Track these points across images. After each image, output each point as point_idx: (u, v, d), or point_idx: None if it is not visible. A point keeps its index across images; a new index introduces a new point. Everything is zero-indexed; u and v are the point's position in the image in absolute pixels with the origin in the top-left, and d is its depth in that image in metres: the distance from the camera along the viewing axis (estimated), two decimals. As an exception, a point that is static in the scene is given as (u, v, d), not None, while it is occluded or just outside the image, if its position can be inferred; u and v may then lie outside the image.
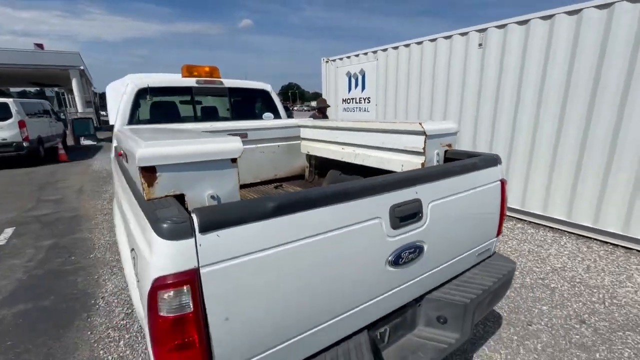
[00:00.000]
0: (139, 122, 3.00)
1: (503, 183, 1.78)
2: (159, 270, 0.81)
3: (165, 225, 0.81)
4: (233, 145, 1.12)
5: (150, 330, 0.85)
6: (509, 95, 4.41)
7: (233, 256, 0.88)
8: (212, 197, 1.11)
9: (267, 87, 3.81)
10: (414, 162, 1.95)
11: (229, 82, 3.47)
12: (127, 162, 1.54)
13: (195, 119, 3.33)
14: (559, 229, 4.10)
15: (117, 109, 3.09)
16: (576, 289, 2.91)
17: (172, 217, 0.83)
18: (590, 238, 3.84)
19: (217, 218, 0.86)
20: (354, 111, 7.16)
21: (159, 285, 0.81)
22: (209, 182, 1.11)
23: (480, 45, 4.68)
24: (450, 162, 1.87)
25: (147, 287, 0.83)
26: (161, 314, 0.82)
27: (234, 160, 1.14)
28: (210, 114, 3.50)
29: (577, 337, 2.32)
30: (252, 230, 0.90)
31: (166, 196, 1.04)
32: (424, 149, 1.87)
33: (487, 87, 4.65)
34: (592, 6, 3.54)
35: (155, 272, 0.81)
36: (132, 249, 1.07)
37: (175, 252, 0.81)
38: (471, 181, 1.59)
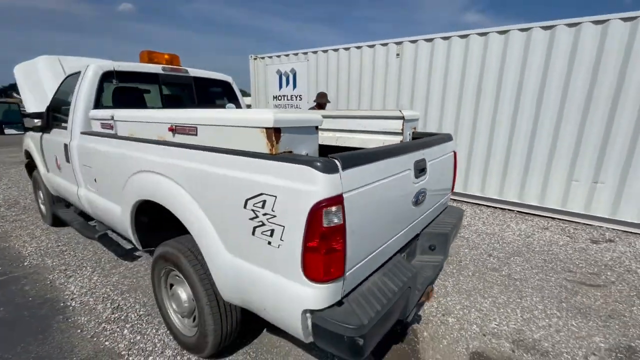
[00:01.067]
0: (101, 107, 2.81)
1: (455, 153, 2.54)
2: (320, 195, 1.15)
3: (323, 164, 1.16)
4: (319, 117, 1.48)
5: (311, 240, 1.17)
6: (421, 97, 5.56)
7: (358, 186, 1.27)
8: (307, 154, 1.44)
9: (229, 78, 3.93)
10: (394, 141, 2.54)
11: (193, 72, 3.49)
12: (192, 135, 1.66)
13: (162, 106, 3.25)
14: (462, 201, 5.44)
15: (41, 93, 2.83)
16: (480, 236, 4.05)
17: (322, 160, 1.18)
18: (479, 204, 5.25)
19: (349, 161, 1.24)
20: (285, 108, 7.56)
21: (323, 204, 1.14)
22: (304, 143, 1.43)
23: (397, 55, 5.73)
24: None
25: (307, 209, 1.15)
26: (324, 225, 1.16)
27: (316, 128, 1.50)
28: (175, 103, 3.45)
29: (489, 264, 3.33)
30: (365, 170, 1.30)
31: (284, 152, 1.33)
32: (402, 130, 2.48)
33: (404, 91, 5.73)
34: (457, 35, 4.86)
35: (317, 196, 1.14)
36: (260, 194, 1.30)
37: (331, 182, 1.16)
38: (442, 150, 2.27)
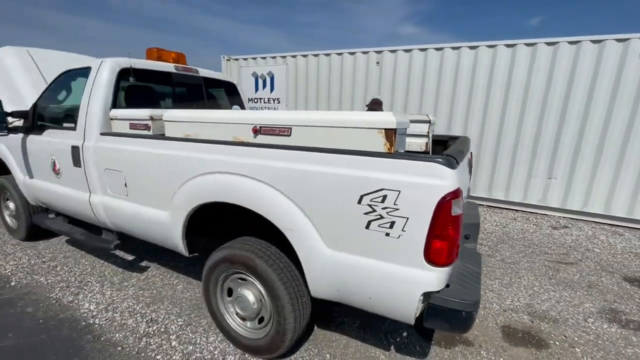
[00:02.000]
0: (118, 107, 2.61)
1: (471, 154, 2.87)
2: (448, 188, 1.30)
3: (448, 161, 1.32)
4: (408, 120, 1.64)
5: (440, 228, 1.32)
6: (401, 102, 5.99)
7: (459, 183, 1.45)
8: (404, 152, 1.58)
9: (234, 80, 3.86)
10: (419, 143, 2.79)
11: (202, 72, 3.37)
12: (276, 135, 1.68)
13: (173, 106, 3.09)
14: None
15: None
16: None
17: (446, 157, 1.34)
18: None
19: (455, 159, 1.41)
20: (262, 110, 7.49)
21: (451, 196, 1.30)
22: (402, 143, 1.57)
23: (377, 63, 6.09)
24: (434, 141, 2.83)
25: (435, 201, 1.30)
26: (452, 214, 1.31)
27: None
28: (185, 103, 3.29)
29: (483, 251, 3.77)
30: (457, 170, 1.49)
31: (396, 151, 1.46)
32: (427, 132, 2.74)
33: (384, 97, 6.11)
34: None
35: (445, 189, 1.30)
36: (380, 189, 1.40)
37: (455, 176, 1.32)
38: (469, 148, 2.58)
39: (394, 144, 1.42)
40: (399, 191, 1.36)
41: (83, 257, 3.29)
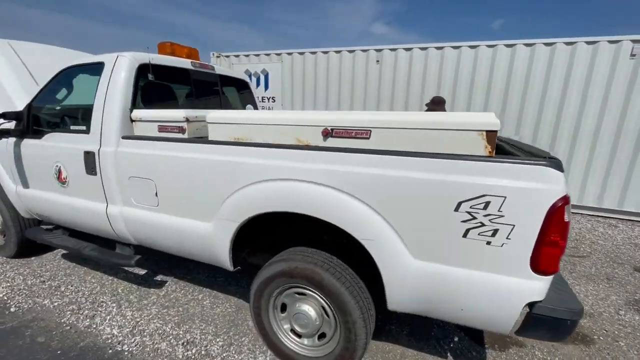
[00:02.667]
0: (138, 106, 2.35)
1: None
2: (560, 192, 1.23)
3: (558, 164, 1.25)
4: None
5: (552, 235, 1.25)
6: (401, 101, 5.98)
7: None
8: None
9: (247, 78, 3.64)
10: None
11: (218, 69, 3.14)
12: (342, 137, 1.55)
13: (193, 105, 2.84)
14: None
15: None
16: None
17: (556, 160, 1.27)
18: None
19: (560, 162, 1.35)
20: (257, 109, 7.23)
21: (563, 201, 1.23)
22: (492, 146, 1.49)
23: (377, 61, 6.05)
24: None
25: (547, 206, 1.23)
26: (565, 220, 1.25)
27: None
28: (201, 102, 3.03)
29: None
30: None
31: (490, 153, 1.37)
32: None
33: (384, 96, 6.08)
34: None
35: (558, 194, 1.23)
36: (482, 195, 1.30)
37: (564, 179, 1.26)
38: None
39: (494, 146, 1.34)
40: (505, 197, 1.28)
41: (87, 274, 2.96)
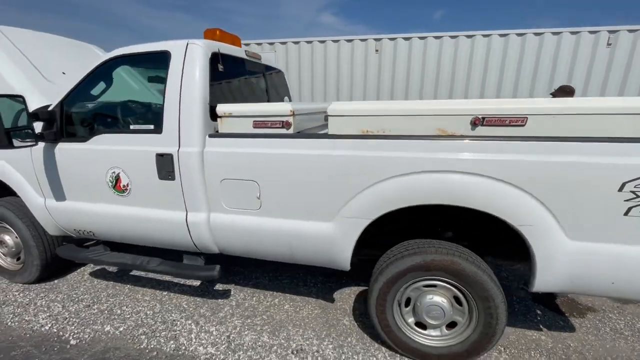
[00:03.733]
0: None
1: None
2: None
3: None
4: None
5: None
6: (401, 90, 6.10)
7: None
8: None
9: (282, 68, 3.44)
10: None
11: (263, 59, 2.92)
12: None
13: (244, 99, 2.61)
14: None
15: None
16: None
17: None
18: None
19: None
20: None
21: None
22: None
23: (376, 51, 6.07)
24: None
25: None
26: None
27: None
28: (253, 95, 2.80)
29: None
30: None
31: None
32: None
33: (384, 87, 6.14)
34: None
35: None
36: None
37: None
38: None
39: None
40: None
41: (135, 292, 2.64)
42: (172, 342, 2.10)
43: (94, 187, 2.21)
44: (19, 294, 2.60)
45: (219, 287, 2.73)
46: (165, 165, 1.99)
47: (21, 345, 2.06)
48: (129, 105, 2.18)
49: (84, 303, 2.49)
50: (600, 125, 1.47)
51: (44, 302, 2.50)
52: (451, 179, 1.57)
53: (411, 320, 1.92)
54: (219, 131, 1.99)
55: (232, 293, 2.64)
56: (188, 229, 2.08)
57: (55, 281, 2.79)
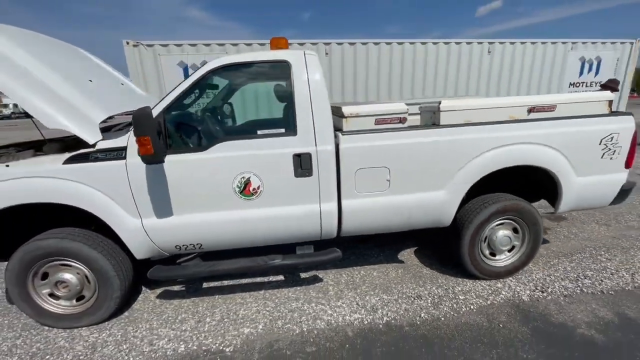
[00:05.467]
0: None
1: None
2: (636, 126, 2.59)
3: (631, 114, 2.60)
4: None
5: (631, 149, 2.60)
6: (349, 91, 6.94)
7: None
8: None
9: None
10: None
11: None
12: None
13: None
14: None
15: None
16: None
17: (628, 113, 2.61)
18: None
19: (619, 112, 2.72)
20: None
21: (638, 130, 2.60)
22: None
23: (326, 54, 6.72)
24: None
25: (632, 134, 2.58)
26: (638, 142, 2.61)
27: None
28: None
29: None
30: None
31: (610, 112, 2.58)
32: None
33: (336, 87, 6.86)
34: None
35: (635, 127, 2.59)
36: (610, 134, 2.51)
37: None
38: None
39: (611, 109, 2.57)
40: (618, 133, 2.54)
41: (230, 298, 2.64)
42: (318, 321, 2.34)
43: (214, 195, 2.20)
44: (107, 337, 2.27)
45: (303, 275, 2.97)
46: (304, 164, 2.21)
47: (174, 369, 1.96)
48: (250, 111, 2.23)
49: (193, 319, 2.39)
50: (589, 108, 2.54)
51: (145, 333, 2.28)
52: (520, 147, 2.41)
53: (487, 252, 2.72)
54: (344, 129, 2.32)
55: (320, 277, 2.93)
56: (320, 219, 2.35)
57: (126, 313, 2.50)
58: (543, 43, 7.32)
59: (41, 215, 2.37)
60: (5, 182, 2.03)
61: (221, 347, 2.13)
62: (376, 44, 6.76)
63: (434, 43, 6.95)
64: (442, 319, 2.33)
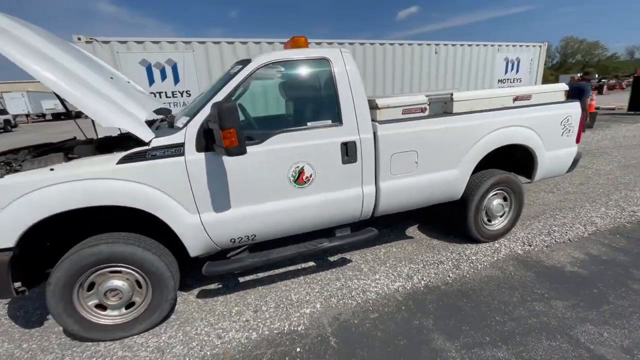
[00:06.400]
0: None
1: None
2: (580, 107, 3.36)
3: (577, 101, 3.37)
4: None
5: (582, 125, 3.36)
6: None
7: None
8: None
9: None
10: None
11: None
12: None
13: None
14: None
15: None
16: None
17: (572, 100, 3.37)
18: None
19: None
20: (168, 106, 6.16)
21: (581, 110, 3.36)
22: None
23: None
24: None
25: (579, 115, 3.34)
26: (581, 119, 3.37)
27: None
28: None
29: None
30: (561, 104, 3.61)
31: (566, 99, 3.28)
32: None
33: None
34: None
35: (580, 108, 3.35)
36: (567, 115, 3.22)
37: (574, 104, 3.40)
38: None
39: (567, 97, 3.29)
40: (571, 115, 3.27)
41: (286, 285, 2.74)
42: (367, 293, 2.59)
43: (270, 186, 2.30)
44: (168, 339, 2.20)
45: (331, 258, 3.18)
46: (350, 151, 2.44)
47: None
48: (305, 104, 2.36)
49: (249, 310, 2.45)
50: (552, 96, 3.22)
51: (207, 329, 2.27)
52: (511, 129, 2.97)
53: (486, 219, 3.26)
54: (378, 119, 2.60)
55: (348, 258, 3.17)
56: (362, 201, 2.60)
57: (173, 316, 2.44)
58: (477, 45, 8.50)
59: (66, 225, 2.19)
60: (50, 188, 1.87)
61: (292, 328, 2.25)
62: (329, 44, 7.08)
63: (391, 44, 7.60)
64: (467, 276, 2.76)
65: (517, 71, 9.26)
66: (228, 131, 1.79)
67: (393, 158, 2.62)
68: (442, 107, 2.91)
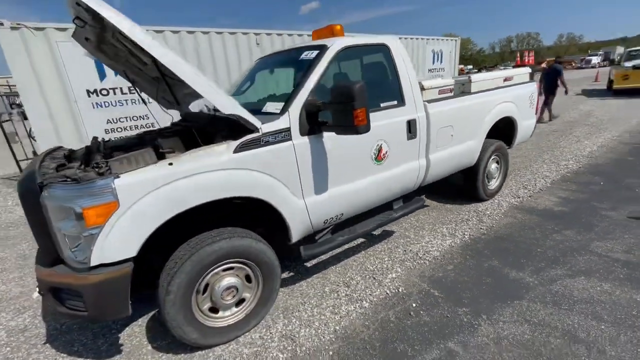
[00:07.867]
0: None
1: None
2: (534, 84, 4.29)
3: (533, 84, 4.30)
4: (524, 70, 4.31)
5: (535, 101, 4.29)
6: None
7: (524, 88, 4.48)
8: (512, 83, 4.28)
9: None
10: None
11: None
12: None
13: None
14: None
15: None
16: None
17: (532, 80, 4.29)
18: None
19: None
20: (111, 105, 5.31)
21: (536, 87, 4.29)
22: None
23: (257, 44, 6.74)
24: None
25: (536, 92, 4.27)
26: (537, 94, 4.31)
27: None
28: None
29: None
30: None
31: (531, 80, 4.12)
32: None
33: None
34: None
35: (535, 86, 4.28)
36: (532, 93, 4.08)
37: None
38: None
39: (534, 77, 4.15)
40: (533, 92, 4.16)
41: (357, 259, 2.88)
42: (431, 252, 2.95)
43: (358, 165, 2.44)
44: (282, 328, 2.16)
45: (374, 233, 3.44)
46: (412, 128, 2.72)
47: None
48: (380, 86, 2.51)
49: (340, 286, 2.55)
50: (522, 77, 4.03)
51: (315, 311, 2.32)
52: (505, 104, 3.66)
53: (486, 180, 3.94)
54: (424, 99, 2.94)
55: (388, 230, 3.48)
56: (418, 172, 2.92)
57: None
58: (412, 39, 9.55)
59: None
60: (173, 184, 1.69)
61: (394, 291, 2.47)
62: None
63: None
64: (494, 226, 3.36)
65: (441, 62, 10.71)
66: (359, 110, 1.89)
67: (439, 132, 3.00)
68: (460, 87, 3.42)
